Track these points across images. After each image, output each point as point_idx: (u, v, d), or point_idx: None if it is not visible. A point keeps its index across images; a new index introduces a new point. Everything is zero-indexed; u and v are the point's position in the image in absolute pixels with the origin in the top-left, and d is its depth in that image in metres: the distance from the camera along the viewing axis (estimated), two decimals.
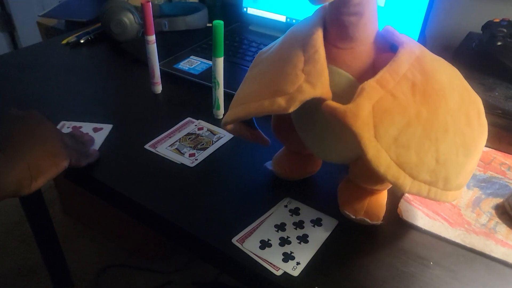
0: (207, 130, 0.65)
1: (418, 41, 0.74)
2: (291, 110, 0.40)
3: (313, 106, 0.41)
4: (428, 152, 0.39)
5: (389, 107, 0.38)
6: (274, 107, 0.40)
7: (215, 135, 0.64)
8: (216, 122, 0.67)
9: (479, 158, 0.60)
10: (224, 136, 0.64)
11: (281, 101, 0.40)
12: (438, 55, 0.44)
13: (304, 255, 0.47)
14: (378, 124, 0.37)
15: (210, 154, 0.60)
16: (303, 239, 0.49)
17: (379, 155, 0.38)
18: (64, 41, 0.89)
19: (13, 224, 1.48)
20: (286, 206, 0.53)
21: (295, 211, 0.52)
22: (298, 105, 0.40)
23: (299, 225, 0.51)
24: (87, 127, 0.64)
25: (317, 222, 0.51)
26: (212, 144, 0.62)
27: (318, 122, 0.45)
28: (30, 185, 0.45)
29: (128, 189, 0.55)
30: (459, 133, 0.41)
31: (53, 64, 0.82)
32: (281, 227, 0.50)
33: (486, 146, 0.62)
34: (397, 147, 0.38)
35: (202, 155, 0.60)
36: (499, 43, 0.67)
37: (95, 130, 0.64)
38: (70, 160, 0.51)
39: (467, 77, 0.45)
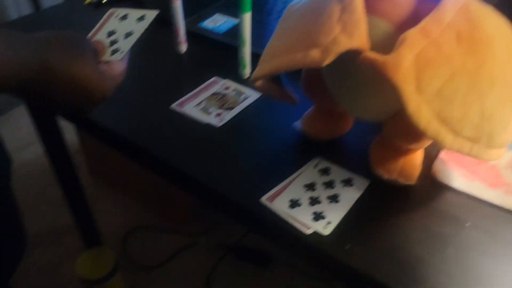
0: (234, 89, 0.63)
1: None
2: (326, 63, 0.38)
3: (348, 59, 0.39)
4: (472, 106, 0.37)
5: (432, 58, 0.35)
6: (308, 60, 0.38)
7: (241, 94, 0.62)
8: (243, 81, 0.65)
9: None
10: (251, 95, 0.62)
11: (315, 54, 0.38)
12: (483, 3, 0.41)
13: (334, 215, 0.46)
14: (421, 76, 0.35)
15: (237, 114, 0.59)
16: (334, 199, 0.48)
17: (420, 109, 0.35)
18: (87, 1, 0.87)
19: (43, 188, 1.52)
20: (316, 166, 0.52)
21: (325, 171, 0.51)
22: (334, 58, 0.37)
23: (329, 185, 0.49)
24: None
25: (348, 182, 0.50)
26: (239, 103, 0.61)
27: (354, 76, 0.43)
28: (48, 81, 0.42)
29: (155, 147, 0.54)
30: (507, 86, 0.38)
31: (76, 25, 0.81)
32: (311, 186, 0.49)
33: None
34: (440, 101, 0.36)
35: (228, 115, 0.59)
36: None
37: None
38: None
39: None
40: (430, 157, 0.52)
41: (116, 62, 0.51)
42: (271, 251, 1.31)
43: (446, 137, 0.37)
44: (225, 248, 1.32)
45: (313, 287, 1.24)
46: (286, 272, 1.28)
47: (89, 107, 0.47)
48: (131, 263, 1.29)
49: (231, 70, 0.67)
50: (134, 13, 0.56)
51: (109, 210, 1.44)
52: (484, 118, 0.38)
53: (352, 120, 0.55)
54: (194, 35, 0.75)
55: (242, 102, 0.61)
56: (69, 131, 1.53)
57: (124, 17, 0.56)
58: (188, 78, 0.67)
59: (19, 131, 1.74)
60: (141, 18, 0.55)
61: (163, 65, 0.70)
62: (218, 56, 0.71)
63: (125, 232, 1.37)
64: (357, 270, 0.41)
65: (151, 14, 0.55)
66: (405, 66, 0.35)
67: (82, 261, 1.01)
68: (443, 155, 0.52)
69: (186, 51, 0.72)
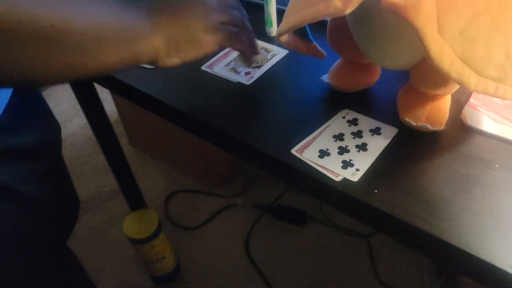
0: (261, 48, 0.65)
1: None
2: (348, 11, 0.38)
3: (371, 6, 0.40)
4: (497, 46, 0.37)
5: None
6: (330, 10, 0.39)
7: (269, 52, 0.64)
8: (270, 39, 0.66)
9: None
10: (279, 53, 0.63)
11: (337, 2, 0.39)
12: None
13: (363, 162, 0.48)
14: (442, 17, 0.35)
15: (265, 72, 0.61)
16: (362, 147, 0.49)
17: (443, 51, 0.36)
18: None
19: (87, 156, 1.61)
20: (344, 117, 0.53)
21: (353, 122, 0.52)
22: (356, 5, 0.38)
23: (357, 134, 0.51)
24: None
25: (376, 131, 0.51)
26: (267, 61, 0.62)
27: (377, 24, 0.43)
28: (165, 60, 0.45)
29: (190, 108, 0.57)
30: None
31: None
32: (339, 137, 0.51)
33: None
34: (463, 42, 0.36)
35: (257, 73, 0.61)
36: None
37: None
38: (214, 46, 0.48)
39: None
40: (460, 103, 0.52)
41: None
42: (307, 209, 1.34)
43: (470, 78, 0.37)
44: (262, 208, 1.37)
45: (348, 242, 1.27)
46: (321, 229, 1.31)
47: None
48: (173, 225, 1.36)
49: (258, 28, 0.68)
50: None
51: (149, 177, 1.52)
52: (509, 57, 0.38)
53: (379, 70, 0.56)
54: None
55: (270, 59, 0.63)
56: (107, 103, 1.60)
57: None
58: None
59: (60, 106, 1.83)
60: None
61: None
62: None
63: (165, 196, 1.44)
64: (385, 212, 0.43)
65: None
66: (426, 8, 0.35)
67: (129, 222, 1.09)
68: (472, 100, 0.52)
69: None
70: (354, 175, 0.47)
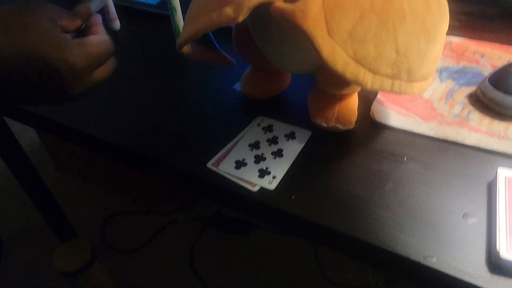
0: None
1: None
2: (241, 18, 0.37)
3: (266, 12, 0.39)
4: (386, 44, 0.38)
5: (340, 1, 0.36)
6: (223, 18, 0.38)
7: None
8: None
9: (451, 47, 0.58)
10: None
11: (228, 11, 0.38)
12: None
13: (279, 169, 0.47)
14: (330, 19, 0.35)
15: None
16: (278, 153, 0.49)
17: (335, 52, 0.36)
18: None
19: (11, 189, 1.50)
20: (259, 124, 0.52)
21: (268, 128, 0.52)
22: (247, 12, 0.37)
23: (273, 141, 0.50)
24: None
25: (290, 136, 0.51)
26: None
27: (274, 30, 0.43)
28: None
29: (93, 128, 0.54)
30: (418, 19, 0.39)
31: None
32: (255, 145, 0.50)
33: (459, 36, 0.60)
34: (353, 42, 0.37)
35: None
36: None
37: None
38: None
39: None
40: (368, 101, 0.53)
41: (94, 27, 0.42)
42: (250, 218, 1.33)
43: (365, 77, 0.38)
44: (204, 221, 1.34)
45: (294, 244, 1.28)
46: (267, 235, 1.31)
47: (64, 87, 0.38)
48: (112, 251, 1.29)
49: (168, 41, 0.66)
50: None
51: (82, 202, 1.43)
52: (400, 54, 0.39)
53: (290, 76, 0.56)
54: (127, 10, 0.73)
55: None
56: (29, 129, 1.49)
57: None
58: (124, 53, 0.65)
59: None
60: None
61: None
62: (155, 28, 0.70)
63: (101, 221, 1.37)
64: (303, 218, 0.42)
65: None
66: (313, 12, 0.35)
67: (59, 255, 1.01)
68: (379, 97, 0.53)
69: (120, 28, 0.70)
70: (271, 183, 0.46)
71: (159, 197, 1.40)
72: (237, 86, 0.56)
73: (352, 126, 0.49)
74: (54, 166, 1.53)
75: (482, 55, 0.57)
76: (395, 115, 0.51)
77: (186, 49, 0.47)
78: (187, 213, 1.37)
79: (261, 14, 0.39)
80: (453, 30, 0.44)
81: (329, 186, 0.45)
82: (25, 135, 0.88)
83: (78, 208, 1.40)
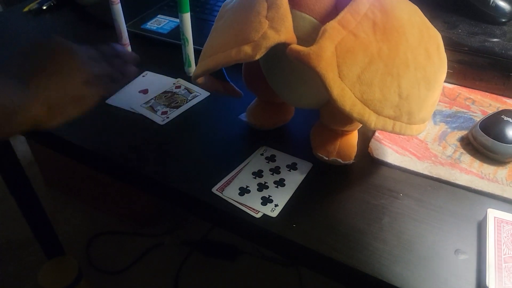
0: (184, 88, 0.65)
1: None
2: (258, 57, 0.41)
3: (280, 52, 0.42)
4: (390, 88, 0.41)
5: (351, 47, 0.39)
6: (241, 56, 0.41)
7: (191, 93, 0.64)
8: (190, 79, 0.67)
9: (444, 93, 0.62)
10: (200, 94, 0.64)
11: (247, 49, 0.41)
12: None
13: (281, 198, 0.49)
14: (341, 63, 0.39)
15: (183, 112, 0.61)
16: (280, 183, 0.51)
17: (344, 93, 0.39)
18: (26, 9, 0.86)
19: None
20: (262, 154, 0.55)
21: (271, 158, 0.54)
22: (264, 52, 0.40)
23: (275, 170, 0.53)
24: None
25: (292, 167, 0.53)
26: (187, 102, 0.63)
27: (286, 68, 0.46)
28: (49, 122, 0.45)
29: (103, 148, 0.56)
30: (419, 67, 0.43)
31: (15, 34, 0.80)
32: (258, 174, 0.52)
33: (451, 83, 0.64)
34: (361, 85, 0.40)
35: (174, 113, 0.61)
36: None
37: None
38: (95, 99, 0.49)
39: (431, 17, 0.47)
40: (367, 138, 0.56)
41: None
42: (237, 243, 1.34)
43: (370, 117, 0.41)
44: (191, 246, 1.33)
45: (279, 272, 1.28)
46: (253, 262, 1.31)
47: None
48: (96, 271, 1.28)
49: (178, 68, 0.69)
50: None
51: (69, 219, 1.42)
52: (402, 98, 0.42)
53: (293, 109, 0.59)
54: (138, 37, 0.76)
55: (190, 100, 0.63)
56: (21, 143, 1.49)
57: None
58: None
59: None
60: None
61: None
62: (164, 56, 0.73)
63: (87, 240, 1.36)
64: (303, 246, 0.44)
65: None
66: (327, 56, 0.38)
67: (45, 272, 1.00)
68: (377, 135, 0.56)
69: None
70: (273, 210, 0.48)
71: (146, 219, 1.40)
72: (243, 117, 0.58)
73: (352, 161, 0.52)
74: (43, 181, 1.52)
75: (473, 102, 0.61)
76: (392, 153, 0.54)
77: (200, 80, 0.50)
78: (174, 236, 1.37)
79: (274, 52, 0.42)
80: (446, 77, 0.48)
81: (328, 217, 0.47)
82: (17, 148, 0.89)
83: (64, 225, 1.39)
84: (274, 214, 0.47)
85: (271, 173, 0.52)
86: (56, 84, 0.44)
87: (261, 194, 0.50)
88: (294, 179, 0.51)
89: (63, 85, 0.45)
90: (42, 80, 0.44)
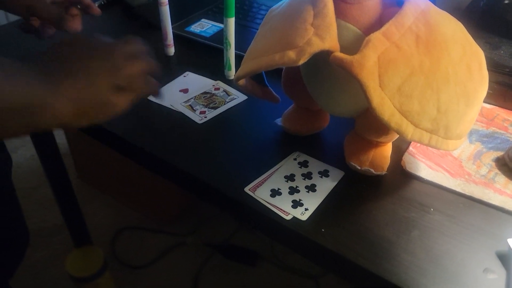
0: (223, 90, 0.67)
1: None
2: (301, 62, 0.42)
3: (322, 59, 0.44)
4: (429, 101, 0.42)
5: (393, 58, 0.40)
6: (285, 60, 0.43)
7: (229, 95, 0.66)
8: (229, 82, 0.69)
9: (482, 113, 0.62)
10: (238, 97, 0.66)
11: (291, 54, 0.42)
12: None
13: (312, 202, 0.50)
14: (383, 73, 0.40)
15: (221, 113, 0.63)
16: (311, 188, 0.52)
17: (383, 103, 0.40)
18: None
19: (30, 189, 1.54)
20: (295, 159, 0.56)
21: (303, 164, 0.55)
22: (308, 57, 0.42)
23: (307, 176, 0.54)
24: None
25: (324, 173, 0.54)
26: (225, 103, 0.65)
27: (327, 75, 0.47)
28: (73, 124, 0.42)
29: (143, 141, 0.58)
30: (460, 83, 0.43)
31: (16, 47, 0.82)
32: (290, 177, 0.53)
33: (490, 103, 0.64)
34: (401, 96, 0.40)
35: (211, 113, 0.63)
36: (506, 1, 0.67)
37: None
38: (125, 106, 0.45)
39: (474, 37, 0.47)
40: (400, 151, 0.56)
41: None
42: (258, 250, 1.34)
43: (407, 129, 0.41)
44: (212, 248, 1.35)
45: (298, 283, 1.28)
46: (273, 270, 1.31)
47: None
48: (119, 264, 1.31)
49: (218, 71, 0.71)
50: None
51: (97, 212, 1.46)
52: (440, 112, 0.42)
53: (329, 117, 0.60)
54: (182, 39, 0.79)
55: (228, 102, 0.65)
56: (57, 135, 1.55)
57: None
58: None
59: None
60: None
61: None
62: (205, 58, 0.75)
63: (113, 233, 1.39)
64: (330, 250, 0.45)
65: None
66: (369, 65, 0.39)
67: (72, 259, 1.04)
68: (411, 148, 0.57)
69: (174, 54, 0.76)
70: (303, 214, 0.49)
71: (171, 217, 1.43)
72: (279, 121, 0.60)
73: (384, 172, 0.52)
74: (76, 173, 1.57)
75: (511, 124, 0.61)
76: (425, 168, 0.54)
77: (242, 81, 0.52)
78: (197, 237, 1.39)
79: (316, 59, 0.44)
80: (485, 97, 0.48)
81: (357, 225, 0.48)
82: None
83: (93, 217, 1.43)
84: (304, 217, 0.48)
85: (303, 178, 0.53)
86: (84, 87, 0.41)
87: (292, 197, 0.51)
88: (326, 186, 0.52)
89: (91, 90, 0.42)
90: (68, 79, 0.41)
